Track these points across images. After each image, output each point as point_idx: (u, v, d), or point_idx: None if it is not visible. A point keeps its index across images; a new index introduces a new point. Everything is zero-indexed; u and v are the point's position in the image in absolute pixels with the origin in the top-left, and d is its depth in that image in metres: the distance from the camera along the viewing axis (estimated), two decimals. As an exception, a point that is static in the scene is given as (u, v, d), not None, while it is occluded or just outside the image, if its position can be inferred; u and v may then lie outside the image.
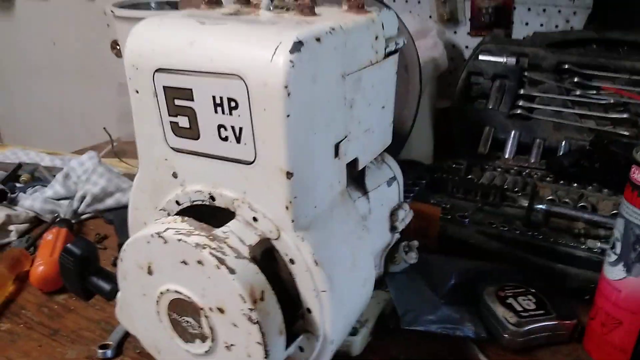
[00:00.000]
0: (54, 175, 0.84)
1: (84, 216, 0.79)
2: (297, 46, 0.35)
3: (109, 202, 0.78)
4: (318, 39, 0.37)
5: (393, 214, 0.55)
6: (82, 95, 1.63)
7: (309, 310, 0.41)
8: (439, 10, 1.07)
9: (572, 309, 0.56)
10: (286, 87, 0.35)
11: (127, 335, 0.55)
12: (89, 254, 0.46)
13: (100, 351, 0.52)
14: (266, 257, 0.42)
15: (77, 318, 0.59)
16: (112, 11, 0.90)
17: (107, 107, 1.37)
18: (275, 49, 0.35)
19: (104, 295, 0.47)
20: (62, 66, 1.66)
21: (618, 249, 0.50)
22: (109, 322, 0.57)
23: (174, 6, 0.98)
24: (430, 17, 1.08)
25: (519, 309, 0.54)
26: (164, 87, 0.40)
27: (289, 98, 0.35)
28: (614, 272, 0.51)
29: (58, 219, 0.73)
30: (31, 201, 0.77)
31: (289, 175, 0.37)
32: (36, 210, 0.76)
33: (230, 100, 0.37)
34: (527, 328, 0.52)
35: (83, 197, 0.77)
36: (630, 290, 0.50)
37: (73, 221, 0.74)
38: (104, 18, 1.38)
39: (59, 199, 0.79)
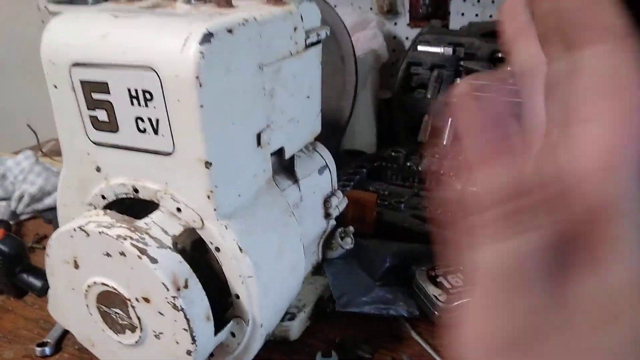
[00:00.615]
0: (-10, 177, 0.82)
1: (22, 217, 0.77)
2: (207, 37, 0.36)
3: (48, 202, 0.77)
4: (230, 30, 0.38)
5: (326, 201, 0.56)
6: (21, 93, 1.58)
7: (237, 297, 0.42)
8: (378, 3, 1.09)
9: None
10: (197, 77, 0.35)
11: (66, 332, 0.55)
12: (17, 251, 0.46)
13: (39, 349, 0.52)
14: (197, 248, 0.43)
15: (15, 318, 0.58)
16: (45, 7, 0.88)
17: (47, 106, 1.33)
18: (185, 40, 0.36)
19: (35, 292, 0.47)
20: (0, 64, 1.61)
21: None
22: (48, 320, 0.57)
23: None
24: (370, 9, 1.10)
25: (448, 286, 0.56)
26: (80, 81, 0.40)
27: (201, 88, 0.36)
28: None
29: (-6, 221, 0.72)
30: (-35, 204, 0.75)
31: (208, 165, 0.38)
32: (-29, 213, 0.75)
33: (145, 92, 0.37)
34: (455, 304, 0.55)
35: (21, 197, 0.76)
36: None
37: (11, 222, 0.73)
38: (40, 14, 1.35)
39: (-5, 201, 0.78)
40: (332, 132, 0.77)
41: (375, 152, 0.94)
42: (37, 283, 0.47)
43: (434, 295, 0.55)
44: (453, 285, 0.56)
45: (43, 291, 0.47)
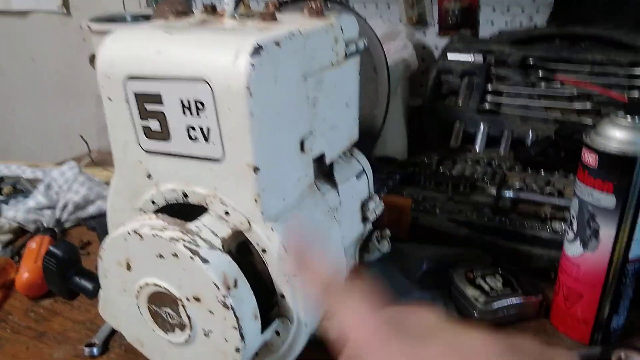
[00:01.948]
0: (36, 187, 0.86)
1: (67, 224, 0.81)
2: (257, 50, 0.38)
3: (91, 210, 0.80)
4: (277, 43, 0.40)
5: (364, 205, 0.57)
6: (62, 109, 1.64)
7: (282, 296, 0.43)
8: (407, 14, 1.10)
9: (538, 287, 0.59)
10: (248, 87, 0.37)
11: (112, 333, 0.57)
12: (70, 255, 0.48)
13: (87, 349, 0.54)
14: (242, 250, 0.44)
15: (63, 320, 0.60)
16: (88, 26, 0.92)
17: (87, 120, 1.38)
18: (237, 53, 0.38)
19: (87, 294, 0.49)
20: (41, 82, 1.67)
21: (575, 227, 0.53)
22: (94, 322, 0.59)
23: (149, 19, 1.00)
24: (400, 20, 1.12)
25: (487, 288, 0.57)
26: (135, 93, 0.42)
27: (251, 98, 0.38)
28: (572, 249, 0.54)
29: (42, 228, 0.75)
30: (14, 212, 0.79)
31: (256, 170, 0.40)
32: (19, 220, 0.78)
33: (197, 102, 0.39)
34: (494, 306, 0.55)
35: (65, 206, 0.79)
36: (588, 264, 0.53)
37: (56, 230, 0.76)
38: (81, 32, 1.40)
39: (41, 209, 0.81)
40: (365, 140, 0.78)
41: (406, 159, 0.95)
42: (89, 285, 0.49)
43: (473, 297, 0.55)
44: (492, 287, 0.57)
45: (94, 293, 0.49)
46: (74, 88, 1.56)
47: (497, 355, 0.24)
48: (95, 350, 0.54)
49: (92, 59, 1.19)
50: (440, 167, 0.86)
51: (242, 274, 0.40)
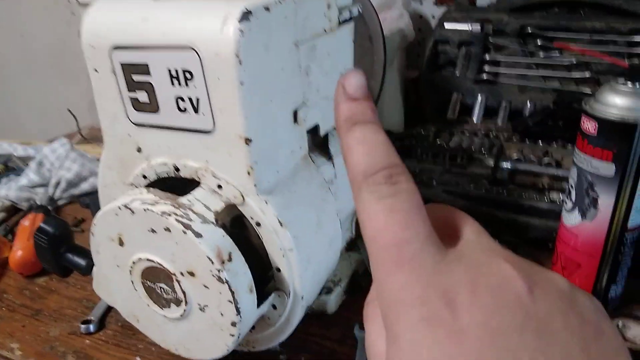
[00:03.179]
0: (28, 164, 0.84)
1: (60, 202, 0.80)
2: (246, 15, 0.36)
3: (84, 187, 0.79)
4: (267, 8, 0.38)
5: (360, 178, 0.57)
6: (53, 84, 1.61)
7: (278, 270, 0.43)
8: (403, -19, 1.07)
9: (537, 257, 0.59)
10: (237, 55, 0.36)
11: (108, 310, 0.57)
12: (62, 231, 0.48)
13: (83, 326, 0.54)
14: (236, 224, 0.44)
15: (59, 298, 0.60)
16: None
17: (78, 96, 1.36)
18: (225, 20, 0.36)
19: (80, 271, 0.48)
20: (30, 57, 1.64)
21: (573, 196, 0.52)
22: (90, 299, 0.59)
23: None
24: (395, -13, 1.09)
25: (484, 260, 0.56)
26: (121, 63, 0.41)
27: (241, 66, 0.36)
28: (570, 218, 0.53)
29: (35, 206, 0.74)
30: (6, 190, 0.78)
31: (248, 141, 0.39)
32: (12, 198, 0.77)
33: (185, 72, 0.38)
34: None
35: (58, 183, 0.78)
36: (586, 234, 0.52)
37: (49, 207, 0.75)
38: (70, 6, 1.37)
39: (34, 187, 0.80)
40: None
41: (403, 131, 0.94)
42: (82, 262, 0.49)
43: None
44: (488, 259, 0.56)
45: (87, 270, 0.49)
46: (65, 63, 1.54)
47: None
48: (91, 327, 0.54)
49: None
50: (437, 139, 0.85)
51: (237, 247, 0.40)
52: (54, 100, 1.64)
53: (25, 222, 0.68)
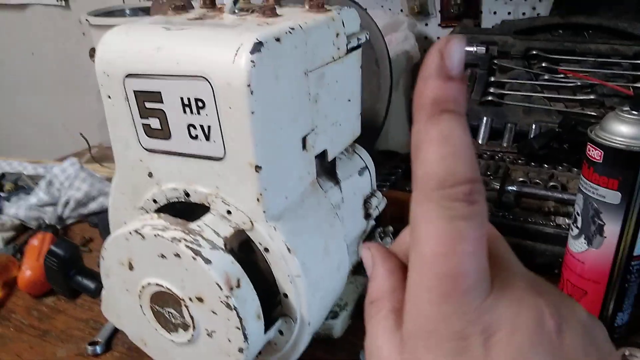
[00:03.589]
0: (37, 183, 0.85)
1: (68, 221, 0.80)
2: (258, 46, 0.37)
3: (93, 206, 0.80)
4: (278, 39, 0.39)
5: (366, 201, 0.57)
6: (63, 103, 1.64)
7: (285, 295, 0.43)
8: (409, 4, 1.09)
9: (541, 284, 0.59)
10: (249, 85, 0.37)
11: (115, 332, 0.57)
12: (72, 254, 0.48)
13: (90, 348, 0.54)
14: (244, 249, 0.44)
15: (66, 318, 0.60)
16: (87, 20, 0.91)
17: (87, 115, 1.38)
18: (237, 50, 0.37)
19: (89, 293, 0.49)
20: (41, 76, 1.66)
21: (579, 223, 0.53)
22: (98, 320, 0.59)
23: (148, 12, 0.99)
24: (401, 10, 1.11)
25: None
26: (134, 91, 0.42)
27: (252, 96, 0.37)
28: (576, 245, 0.53)
29: (44, 225, 0.75)
30: (16, 209, 0.79)
31: (258, 168, 0.40)
32: (21, 217, 0.78)
33: (197, 100, 0.39)
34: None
35: (67, 203, 0.79)
36: (592, 261, 0.52)
37: (58, 227, 0.76)
38: (81, 26, 1.40)
39: (43, 206, 0.81)
40: (367, 134, 0.78)
41: (408, 153, 0.95)
42: (91, 285, 0.49)
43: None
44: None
45: (96, 293, 0.49)
46: (74, 82, 1.56)
47: None
48: (98, 349, 0.54)
49: (92, 53, 1.18)
50: (443, 161, 0.86)
51: (245, 273, 0.40)
52: (62, 118, 1.66)
53: (34, 242, 0.68)
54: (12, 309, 0.63)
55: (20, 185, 0.88)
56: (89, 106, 1.39)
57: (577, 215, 0.53)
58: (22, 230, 0.79)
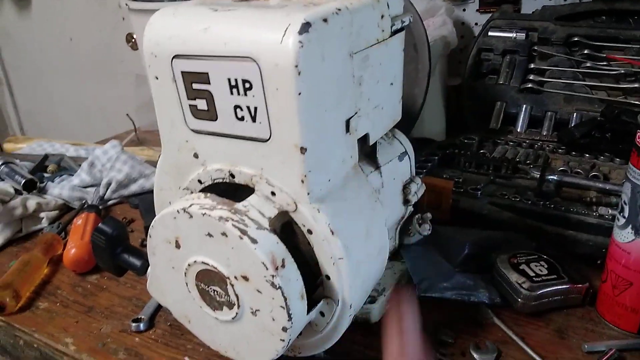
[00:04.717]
0: (79, 165, 0.88)
1: (110, 202, 0.82)
2: (305, 27, 0.37)
3: (133, 188, 0.81)
4: (325, 20, 0.39)
5: (405, 187, 0.57)
6: (101, 88, 1.67)
7: (327, 277, 0.43)
8: (447, -12, 1.07)
9: (584, 274, 0.58)
10: (296, 66, 0.37)
11: (157, 309, 0.58)
12: (119, 232, 0.49)
13: (134, 324, 0.56)
14: (286, 230, 0.44)
15: (110, 296, 0.62)
16: (126, 4, 0.92)
17: (125, 99, 1.40)
18: (285, 31, 0.37)
19: (135, 271, 0.50)
20: (80, 61, 1.70)
21: (626, 212, 0.51)
22: (140, 298, 0.61)
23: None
24: (438, -5, 1.09)
25: (532, 274, 0.56)
26: (181, 72, 0.42)
27: (299, 77, 0.37)
28: (623, 235, 0.52)
29: (86, 205, 0.77)
30: (59, 189, 0.81)
31: (303, 150, 0.40)
32: (64, 197, 0.80)
33: (244, 81, 0.39)
34: (540, 292, 0.54)
35: (108, 184, 0.81)
36: (639, 252, 0.51)
37: (100, 207, 0.77)
38: (119, 12, 1.42)
39: (85, 187, 0.83)
40: (403, 120, 0.77)
41: (444, 140, 0.94)
42: (137, 263, 0.50)
43: (517, 283, 0.54)
44: (537, 272, 0.56)
45: (142, 270, 0.50)
46: (110, 67, 1.59)
47: None
48: (141, 326, 0.56)
49: (128, 38, 1.20)
50: (481, 149, 0.84)
51: (289, 253, 0.40)
52: (99, 102, 1.69)
53: (79, 221, 0.70)
54: (57, 285, 0.65)
55: (63, 167, 0.91)
56: (125, 91, 1.41)
57: (624, 205, 0.52)
58: (66, 210, 0.81)
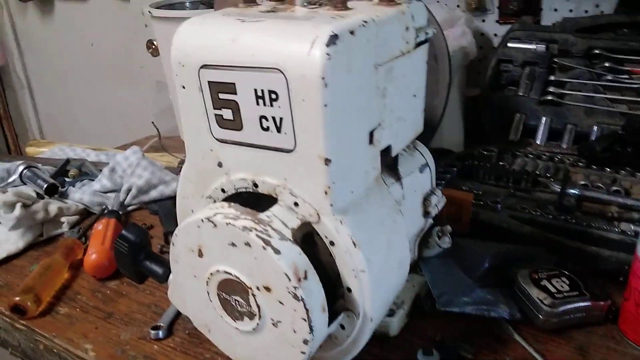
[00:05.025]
0: (100, 170, 0.88)
1: (130, 207, 0.83)
2: (333, 39, 0.37)
3: (153, 194, 0.82)
4: (352, 32, 0.39)
5: (426, 199, 0.57)
6: (120, 93, 1.69)
7: (349, 290, 0.43)
8: (466, 0, 1.07)
9: (606, 290, 0.57)
10: (323, 78, 0.37)
11: (176, 317, 0.58)
12: (142, 239, 0.50)
13: (153, 332, 0.56)
14: (307, 241, 0.44)
15: (129, 302, 0.62)
16: (149, 12, 0.94)
17: (144, 105, 1.42)
18: (313, 43, 0.37)
19: (157, 278, 0.50)
20: (100, 66, 1.72)
21: (651, 230, 0.51)
22: (159, 305, 0.61)
23: (209, 5, 1.01)
24: (458, 6, 1.09)
25: (553, 290, 0.55)
26: (208, 82, 0.42)
27: (326, 88, 0.37)
28: (647, 252, 0.51)
29: (106, 211, 0.77)
30: (80, 194, 0.82)
31: (327, 161, 0.40)
32: (85, 202, 0.81)
33: (271, 92, 0.39)
34: (561, 309, 0.53)
35: (129, 190, 0.81)
36: (663, 269, 0.50)
37: (120, 212, 0.78)
38: (140, 19, 1.43)
39: (106, 192, 0.84)
40: (423, 131, 0.77)
41: (463, 151, 0.93)
42: (159, 270, 0.50)
43: (538, 299, 0.54)
44: (558, 288, 0.55)
45: (164, 278, 0.51)
46: (131, 73, 1.60)
47: None
48: (160, 333, 0.56)
49: (149, 45, 1.21)
50: (500, 161, 0.84)
51: (312, 265, 0.40)
52: (118, 108, 1.71)
53: (99, 227, 0.71)
54: (77, 290, 0.65)
55: (84, 172, 0.92)
56: (146, 97, 1.43)
57: (649, 221, 0.51)
58: (86, 215, 0.82)
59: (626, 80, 0.89)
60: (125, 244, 0.49)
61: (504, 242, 0.64)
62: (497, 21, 1.08)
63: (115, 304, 0.62)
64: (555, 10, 1.03)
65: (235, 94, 0.41)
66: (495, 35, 1.09)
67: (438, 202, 0.58)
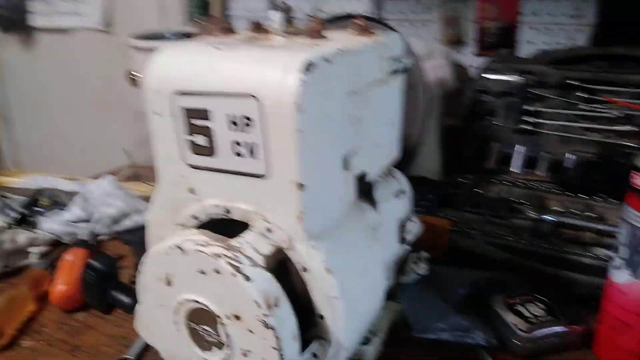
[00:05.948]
0: (72, 199, 0.87)
1: (102, 237, 0.81)
2: (308, 66, 0.37)
3: (126, 223, 0.80)
4: (327, 60, 0.39)
5: (402, 226, 0.56)
6: (99, 123, 1.67)
7: (321, 317, 0.42)
8: (444, 33, 1.10)
9: (581, 315, 0.57)
10: (298, 104, 0.37)
11: (145, 349, 0.56)
12: (109, 268, 0.48)
13: (120, 365, 0.54)
14: (280, 267, 0.44)
15: (97, 334, 0.60)
16: (130, 42, 0.94)
17: (123, 135, 1.40)
18: (288, 69, 0.37)
19: (124, 308, 0.49)
20: (79, 96, 1.71)
21: (624, 253, 0.51)
22: (127, 337, 0.59)
23: (190, 37, 1.01)
24: (436, 39, 1.11)
25: (529, 315, 0.55)
26: (182, 108, 0.42)
27: (300, 114, 0.37)
28: (620, 276, 0.52)
29: (77, 241, 0.76)
30: (51, 224, 0.80)
31: (301, 187, 0.39)
32: (56, 232, 0.79)
33: (245, 118, 0.39)
34: (537, 334, 0.53)
35: (101, 219, 0.80)
36: (636, 293, 0.51)
37: (92, 242, 0.76)
38: (120, 49, 1.43)
39: (77, 222, 0.82)
40: (401, 159, 0.78)
41: (440, 179, 0.94)
42: (127, 300, 0.49)
43: (513, 324, 0.53)
44: (533, 314, 0.55)
45: (131, 308, 0.49)
46: (111, 103, 1.60)
47: None
48: (128, 365, 0.54)
49: (128, 75, 1.21)
50: (477, 189, 0.84)
51: (284, 293, 0.39)
52: (99, 137, 1.69)
53: (68, 257, 0.69)
54: (43, 323, 0.63)
55: (55, 201, 0.90)
56: (125, 127, 1.42)
57: (621, 246, 0.51)
58: (56, 245, 0.80)
59: (600, 110, 0.91)
60: (92, 272, 0.47)
61: (480, 268, 0.64)
62: (474, 54, 1.11)
63: (82, 337, 0.60)
64: (530, 42, 1.06)
65: (209, 119, 0.41)
66: (473, 67, 1.12)
67: (414, 228, 0.58)
